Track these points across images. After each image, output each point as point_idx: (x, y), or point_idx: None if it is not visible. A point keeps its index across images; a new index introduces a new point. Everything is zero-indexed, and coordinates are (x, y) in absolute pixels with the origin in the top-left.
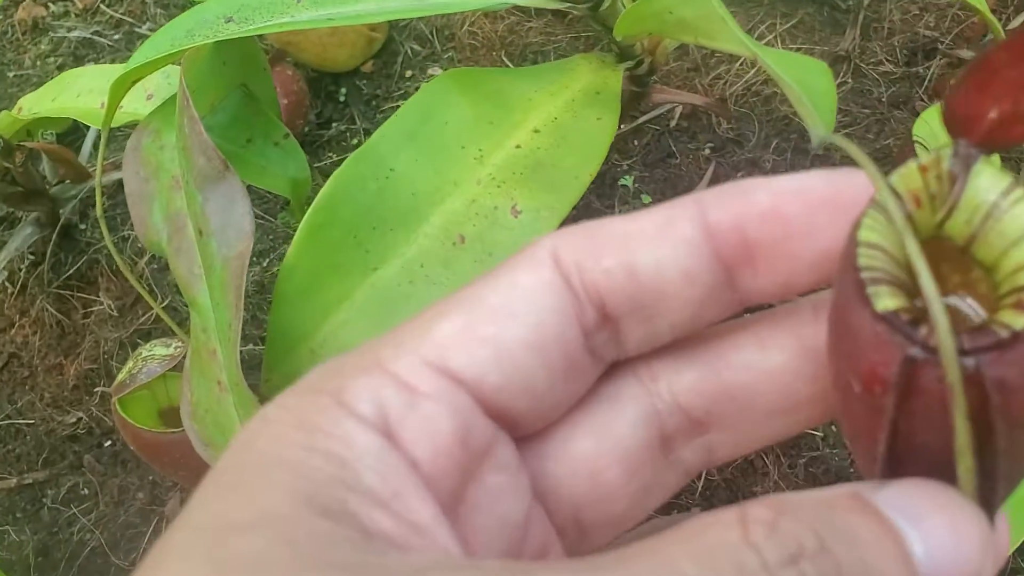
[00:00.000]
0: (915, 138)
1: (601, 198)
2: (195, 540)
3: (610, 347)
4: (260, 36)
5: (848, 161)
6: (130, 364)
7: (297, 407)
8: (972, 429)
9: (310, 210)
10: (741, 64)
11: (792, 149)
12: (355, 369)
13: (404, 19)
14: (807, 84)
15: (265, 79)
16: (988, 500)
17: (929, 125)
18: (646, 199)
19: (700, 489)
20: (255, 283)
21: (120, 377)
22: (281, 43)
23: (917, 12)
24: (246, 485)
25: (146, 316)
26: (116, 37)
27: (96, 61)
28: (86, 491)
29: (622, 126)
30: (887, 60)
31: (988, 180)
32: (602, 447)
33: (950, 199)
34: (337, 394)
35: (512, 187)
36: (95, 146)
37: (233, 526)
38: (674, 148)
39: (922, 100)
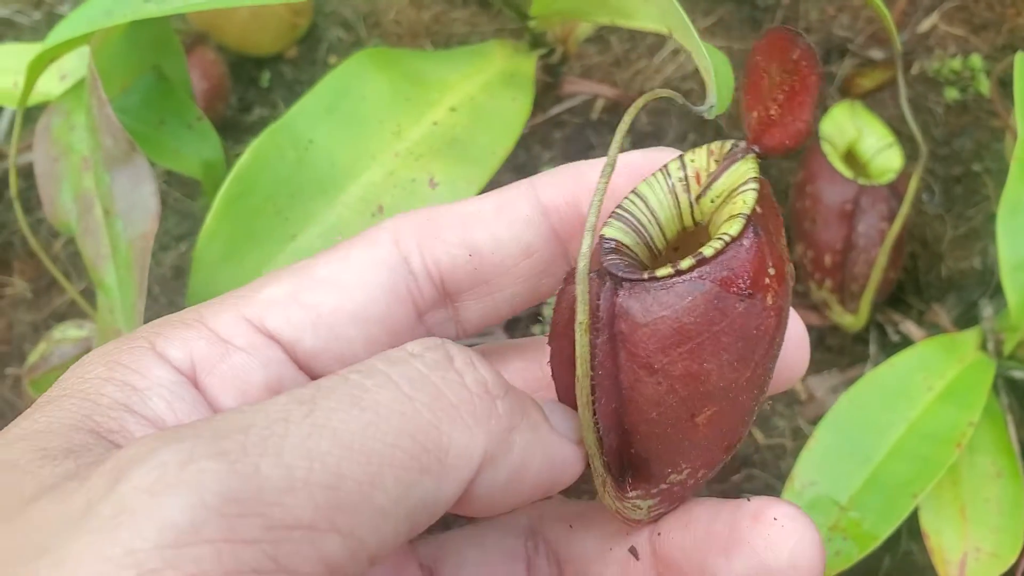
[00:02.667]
0: (821, 135)
1: None
2: None
3: (448, 326)
4: (181, 18)
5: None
6: (42, 346)
7: (111, 349)
8: (597, 352)
9: (228, 179)
10: (661, 59)
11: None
12: (176, 322)
13: (324, 4)
14: (715, 67)
15: (178, 61)
16: (598, 422)
17: (835, 121)
18: None
19: None
20: (173, 268)
21: (32, 359)
22: (203, 26)
23: (833, 13)
24: (37, 412)
25: (62, 300)
26: (36, 17)
27: (16, 41)
28: None
29: (539, 115)
30: None
31: (737, 174)
32: None
33: (707, 180)
34: (151, 340)
35: (430, 160)
36: (11, 127)
37: (6, 442)
38: (594, 140)
39: (833, 98)
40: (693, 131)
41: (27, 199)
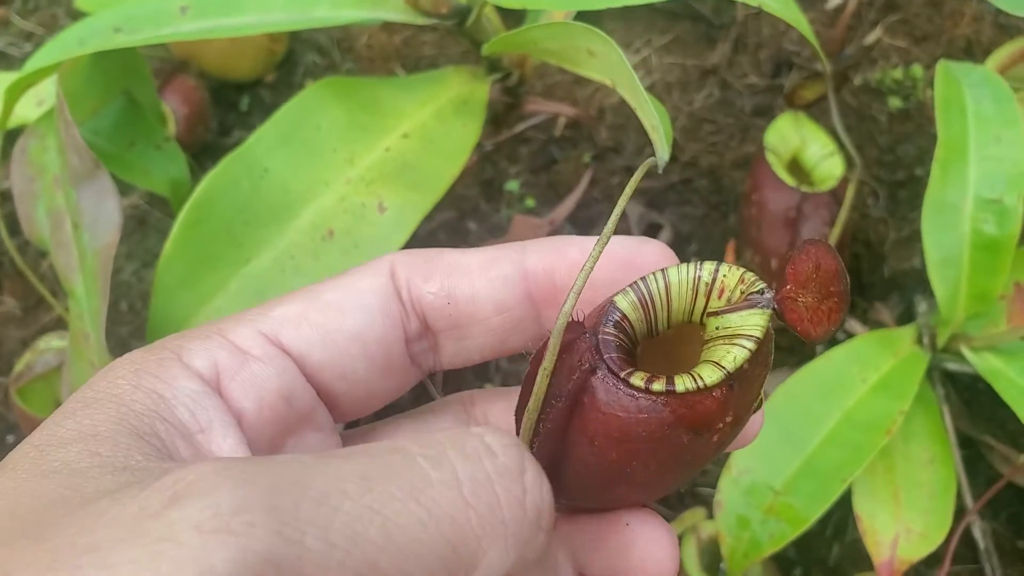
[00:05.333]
0: (766, 145)
1: (489, 201)
2: (25, 454)
3: (428, 357)
4: (162, 47)
5: (708, 177)
6: (27, 356)
7: (138, 358)
8: (557, 403)
9: (186, 207)
10: None
11: None
12: (196, 335)
13: (299, 31)
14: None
15: (147, 86)
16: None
17: (780, 132)
18: (530, 202)
19: None
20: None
21: (18, 368)
22: (183, 54)
23: (783, 29)
24: (78, 413)
25: (49, 316)
26: (27, 49)
27: (8, 71)
28: None
29: (504, 133)
30: (753, 73)
31: (747, 322)
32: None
33: (725, 305)
34: (176, 350)
35: (380, 186)
36: None
37: (59, 442)
38: (557, 156)
39: (780, 109)
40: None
41: (14, 222)
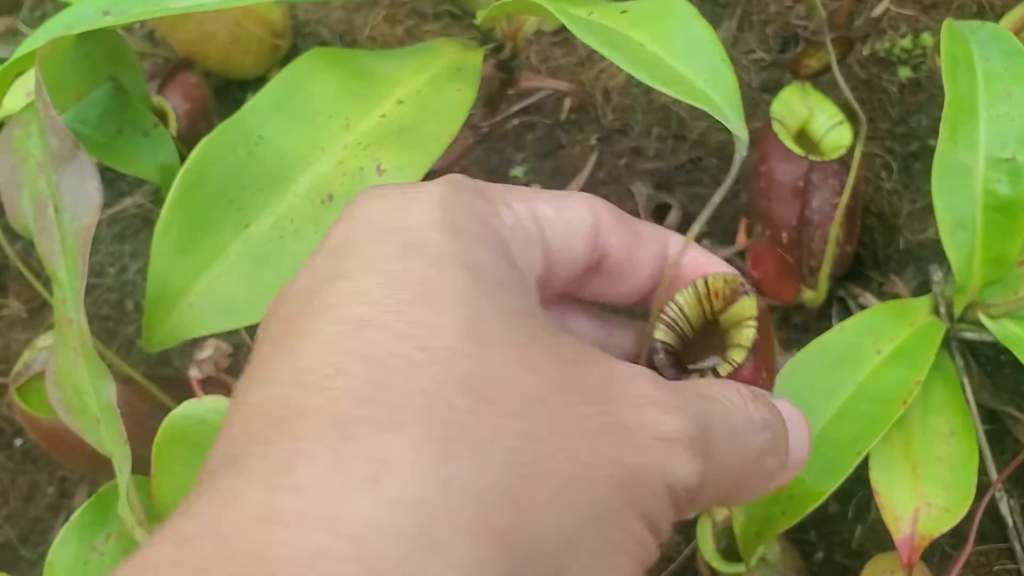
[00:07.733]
0: (772, 115)
1: None
2: (463, 275)
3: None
4: (166, 46)
5: (717, 156)
6: (26, 355)
7: (472, 203)
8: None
9: (182, 171)
10: None
11: (672, 136)
12: (495, 198)
13: (301, 26)
14: (713, 75)
15: (134, 72)
16: None
17: (786, 103)
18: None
19: None
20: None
21: (17, 367)
22: (186, 52)
23: (789, 4)
24: (474, 250)
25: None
26: None
27: None
28: None
29: (500, 113)
30: (760, 48)
31: (743, 308)
32: None
33: (723, 303)
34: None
35: (377, 149)
36: None
37: (499, 282)
38: (563, 140)
39: (789, 81)
40: (657, 124)
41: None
